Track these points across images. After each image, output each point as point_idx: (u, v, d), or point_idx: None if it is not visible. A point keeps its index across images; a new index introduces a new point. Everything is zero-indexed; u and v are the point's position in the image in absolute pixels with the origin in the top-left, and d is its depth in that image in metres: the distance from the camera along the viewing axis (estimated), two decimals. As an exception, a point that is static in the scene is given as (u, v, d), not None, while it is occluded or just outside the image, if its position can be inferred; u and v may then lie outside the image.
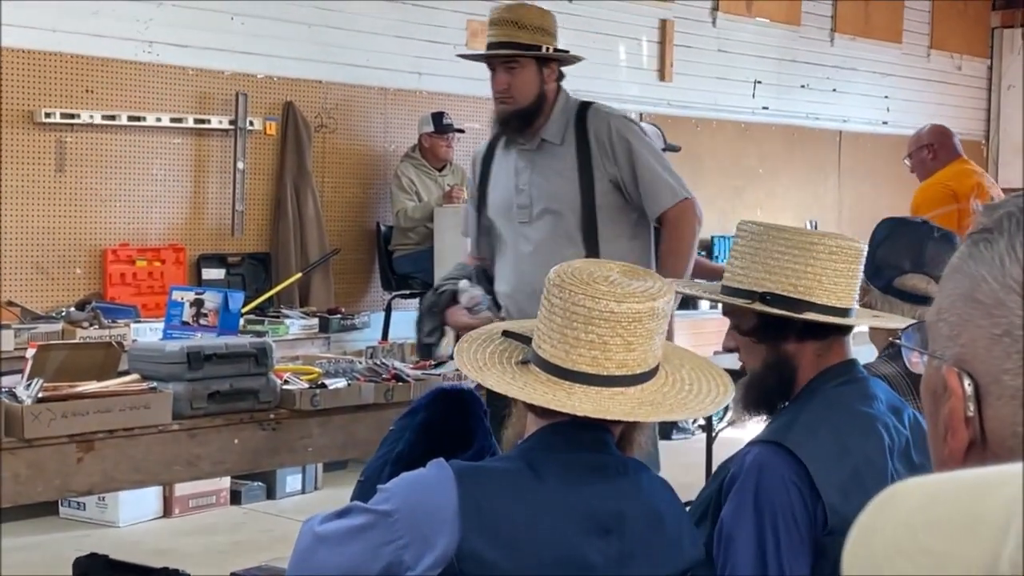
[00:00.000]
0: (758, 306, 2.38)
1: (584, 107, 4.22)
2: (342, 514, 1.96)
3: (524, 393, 1.98)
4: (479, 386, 2.16)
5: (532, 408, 2.03)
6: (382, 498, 1.93)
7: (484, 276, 4.34)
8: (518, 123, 4.15)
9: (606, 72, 9.98)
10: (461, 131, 8.48)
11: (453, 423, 2.24)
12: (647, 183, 4.16)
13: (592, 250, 4.07)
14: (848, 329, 2.46)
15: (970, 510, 0.70)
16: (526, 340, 2.10)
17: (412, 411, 2.27)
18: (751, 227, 2.44)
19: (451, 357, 4.27)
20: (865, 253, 2.45)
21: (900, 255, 3.02)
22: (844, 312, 2.40)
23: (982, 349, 0.94)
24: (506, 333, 2.15)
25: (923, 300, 2.99)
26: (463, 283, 4.20)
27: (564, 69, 4.30)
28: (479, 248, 4.45)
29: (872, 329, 3.05)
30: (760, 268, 2.39)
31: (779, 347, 2.42)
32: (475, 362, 2.08)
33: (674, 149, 8.06)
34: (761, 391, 2.45)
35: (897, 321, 2.57)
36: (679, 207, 4.21)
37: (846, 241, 2.41)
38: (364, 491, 2.11)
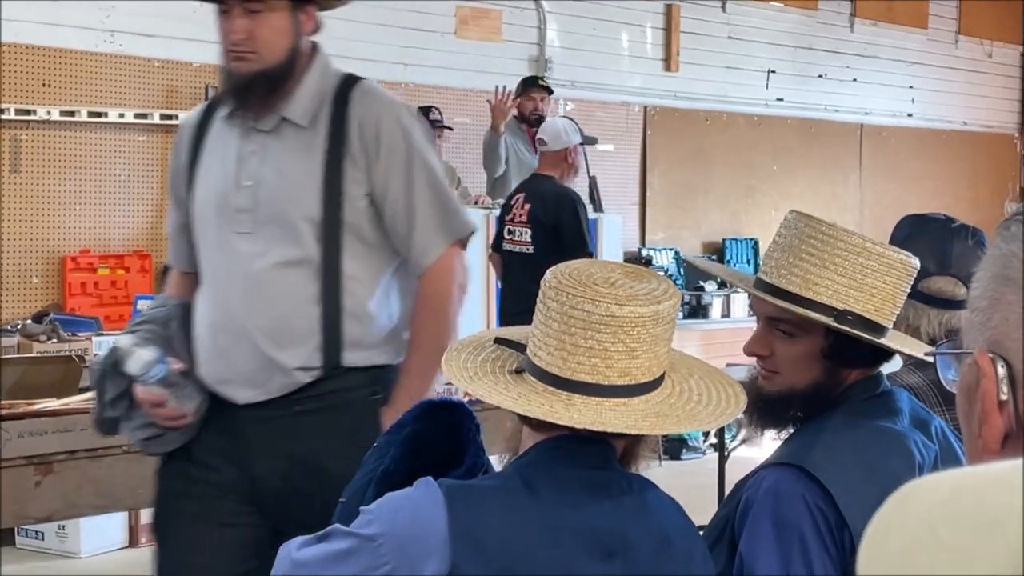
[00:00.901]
0: (857, 332, 2.33)
1: (349, 82, 3.24)
2: (322, 538, 1.97)
3: (518, 404, 1.98)
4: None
5: (528, 421, 2.04)
6: (365, 520, 1.94)
7: (175, 321, 3.25)
8: (264, 90, 3.16)
9: (607, 62, 9.99)
10: (448, 128, 8.48)
11: (443, 438, 2.25)
12: (421, 217, 3.17)
13: (330, 286, 3.12)
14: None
15: (993, 504, 0.72)
16: (520, 347, 2.10)
17: (398, 425, 2.27)
18: (834, 231, 2.35)
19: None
20: None
21: (924, 256, 3.02)
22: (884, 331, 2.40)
23: (1013, 326, 0.96)
24: (499, 340, 2.16)
25: (950, 304, 2.99)
26: (124, 340, 3.08)
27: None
28: (179, 256, 3.38)
29: None
30: (845, 280, 2.34)
31: (840, 370, 2.40)
32: (465, 371, 2.08)
33: (592, 141, 8.06)
34: (796, 409, 2.42)
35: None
36: (447, 255, 3.22)
37: (913, 259, 2.40)
38: (346, 513, 2.11)
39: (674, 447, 9.20)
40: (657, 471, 7.11)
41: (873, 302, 2.35)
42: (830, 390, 2.40)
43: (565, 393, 1.99)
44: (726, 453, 6.64)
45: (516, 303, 7.11)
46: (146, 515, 6.65)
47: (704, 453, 9.25)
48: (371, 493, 2.15)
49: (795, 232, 2.39)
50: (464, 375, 2.07)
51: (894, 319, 2.41)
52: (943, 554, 0.72)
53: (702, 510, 2.52)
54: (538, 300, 2.05)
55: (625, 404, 2.00)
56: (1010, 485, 0.72)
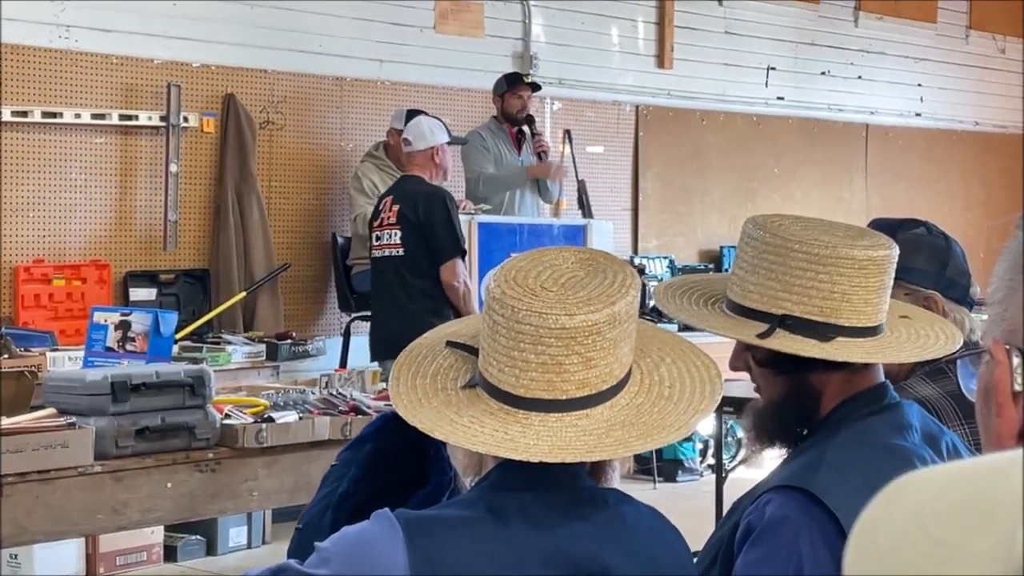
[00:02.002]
0: (778, 343, 2.35)
1: None
2: (275, 574, 1.94)
3: (468, 435, 1.95)
4: None
5: None
6: (319, 560, 1.90)
7: None
8: None
9: (597, 58, 9.99)
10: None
11: (406, 454, 2.22)
12: None
13: None
14: None
15: (985, 496, 0.73)
16: (473, 351, 2.07)
17: (358, 441, 2.24)
18: (761, 234, 2.41)
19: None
20: (896, 259, 2.44)
21: (965, 262, 3.13)
22: (876, 330, 2.40)
23: None
24: (451, 344, 2.12)
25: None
26: None
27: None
28: None
29: None
30: (777, 284, 2.37)
31: (802, 378, 2.41)
32: (411, 393, 2.04)
33: (460, 142, 8.03)
34: (779, 422, 2.45)
35: (940, 346, 2.54)
36: None
37: (877, 251, 2.39)
38: (303, 541, 2.09)
39: (669, 468, 9.18)
40: (651, 494, 7.12)
41: (814, 302, 2.35)
42: (807, 400, 2.41)
43: (521, 412, 1.96)
44: (724, 474, 6.63)
45: (388, 310, 7.10)
46: (104, 542, 6.62)
47: (701, 475, 9.25)
48: (328, 518, 2.13)
49: (744, 243, 2.45)
50: (410, 400, 2.03)
51: (862, 312, 2.38)
52: (933, 550, 0.73)
53: (699, 535, 2.50)
54: (483, 310, 2.03)
55: (587, 415, 1.97)
56: (1003, 476, 0.73)
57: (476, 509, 1.95)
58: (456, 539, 1.90)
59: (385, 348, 7.02)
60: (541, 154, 8.79)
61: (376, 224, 7.24)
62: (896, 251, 2.44)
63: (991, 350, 1.01)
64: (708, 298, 2.54)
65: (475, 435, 1.95)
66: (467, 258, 7.19)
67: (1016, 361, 0.99)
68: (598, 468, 2.09)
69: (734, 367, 2.48)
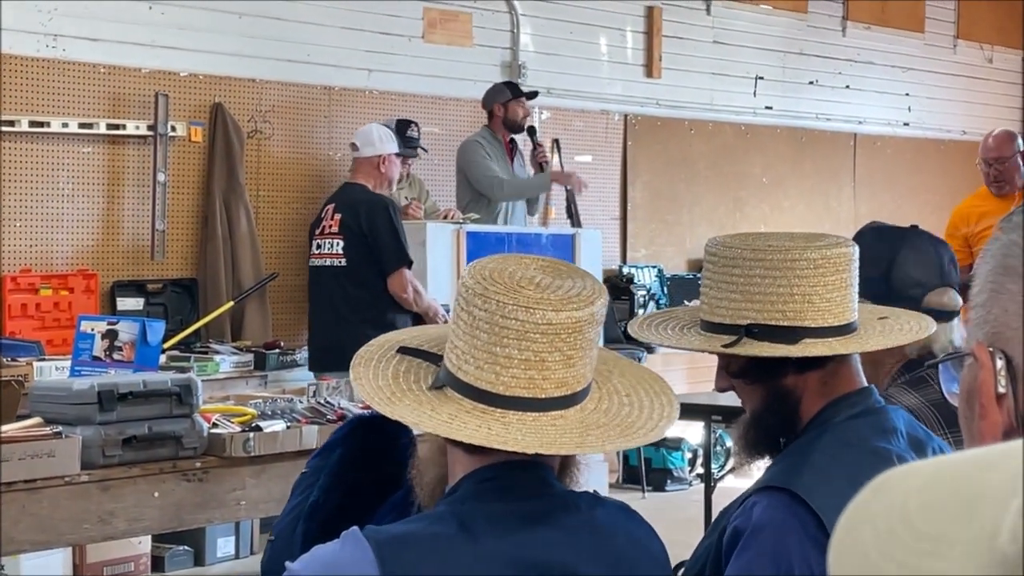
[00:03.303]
0: (743, 349, 2.37)
1: None
2: None
3: (453, 428, 1.93)
4: None
5: (459, 444, 1.97)
6: None
7: None
8: None
9: (585, 67, 10.00)
10: (423, 149, 8.42)
11: (377, 457, 2.20)
12: None
13: None
14: None
15: (970, 489, 0.73)
16: (433, 358, 2.04)
17: (327, 447, 2.21)
18: (719, 250, 2.45)
19: None
20: (857, 256, 2.45)
21: (924, 270, 3.08)
22: (845, 328, 2.41)
23: (1013, 316, 0.98)
24: (404, 350, 2.08)
25: (943, 315, 3.02)
26: None
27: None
28: None
29: None
30: (739, 296, 2.40)
31: (777, 383, 2.43)
32: (380, 391, 2.00)
33: (412, 154, 7.99)
34: (762, 430, 2.47)
35: (913, 332, 2.55)
36: None
37: (832, 248, 2.41)
38: (276, 554, 2.07)
39: (658, 478, 9.18)
40: (640, 503, 7.13)
41: (776, 308, 2.38)
42: (785, 405, 2.43)
43: (499, 411, 1.94)
44: (713, 484, 6.63)
45: (327, 321, 7.08)
46: (92, 552, 6.61)
47: (690, 484, 9.24)
48: (300, 531, 2.11)
49: (707, 261, 2.49)
50: (382, 396, 1.99)
51: (826, 310, 2.40)
52: (917, 543, 0.73)
53: (688, 545, 2.50)
54: (459, 307, 1.99)
55: (563, 417, 1.96)
56: (989, 468, 0.73)
57: (447, 524, 1.92)
58: (428, 557, 1.88)
59: (325, 359, 6.98)
60: (542, 164, 8.80)
61: (317, 232, 7.22)
62: (856, 250, 2.46)
63: (974, 352, 1.01)
64: (683, 325, 2.57)
65: (459, 430, 1.92)
66: (413, 267, 7.13)
67: (999, 363, 0.99)
68: (565, 471, 2.08)
69: (719, 388, 2.51)
